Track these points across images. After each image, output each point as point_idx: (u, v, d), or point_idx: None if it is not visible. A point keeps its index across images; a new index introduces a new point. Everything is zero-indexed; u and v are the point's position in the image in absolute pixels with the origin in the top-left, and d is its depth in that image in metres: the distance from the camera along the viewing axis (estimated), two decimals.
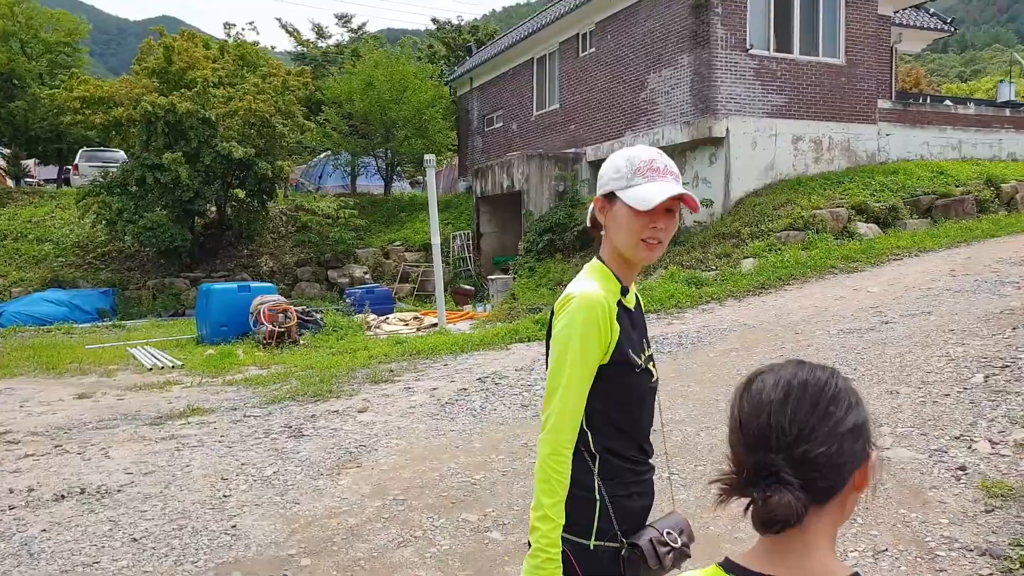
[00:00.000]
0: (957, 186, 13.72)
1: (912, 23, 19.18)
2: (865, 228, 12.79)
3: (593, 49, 18.11)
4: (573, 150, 18.40)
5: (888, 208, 13.04)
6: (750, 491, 1.01)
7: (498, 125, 23.79)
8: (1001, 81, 22.62)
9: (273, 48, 36.75)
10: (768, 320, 9.19)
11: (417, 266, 20.14)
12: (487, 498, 4.97)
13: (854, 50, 15.58)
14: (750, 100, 14.65)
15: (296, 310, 12.92)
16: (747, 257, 12.16)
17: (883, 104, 15.94)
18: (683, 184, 1.84)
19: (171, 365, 10.72)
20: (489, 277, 17.65)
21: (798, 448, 1.00)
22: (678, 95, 15.17)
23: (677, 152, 15.56)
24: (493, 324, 12.31)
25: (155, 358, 11.21)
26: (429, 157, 13.45)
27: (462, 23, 40.01)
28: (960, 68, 71.73)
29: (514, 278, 16.35)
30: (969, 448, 5.23)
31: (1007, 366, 6.65)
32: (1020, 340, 7.23)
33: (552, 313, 1.83)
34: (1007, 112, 17.36)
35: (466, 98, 26.27)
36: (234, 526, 4.72)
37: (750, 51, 14.61)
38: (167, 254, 19.05)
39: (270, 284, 14.83)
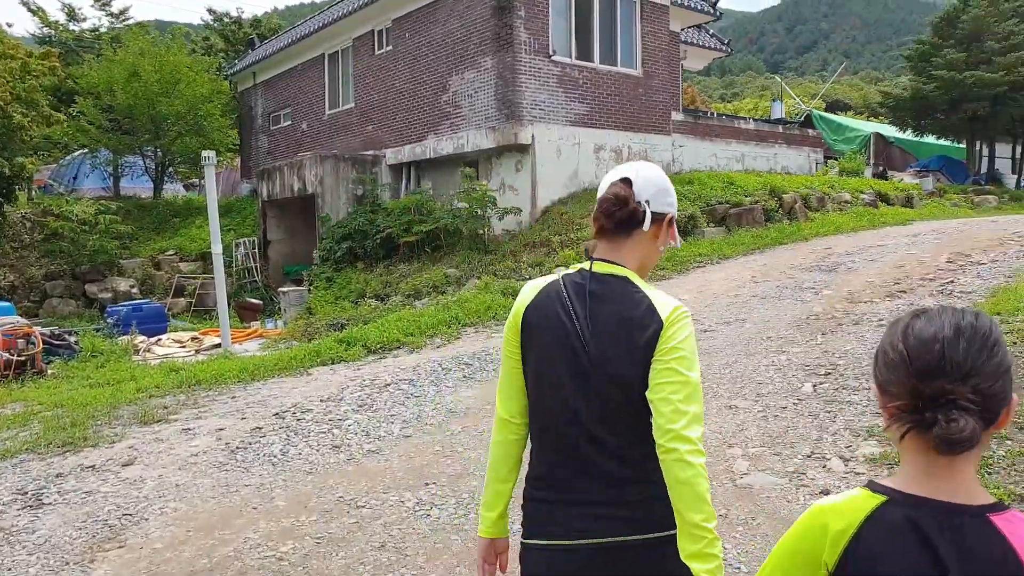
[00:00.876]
0: (746, 196, 14.36)
1: (695, 42, 20.20)
2: None
3: (390, 47, 17.15)
4: (372, 152, 17.30)
5: (688, 217, 13.31)
6: (930, 416, 1.08)
7: (286, 124, 22.05)
8: (774, 100, 24.63)
9: (10, 26, 31.84)
10: None
11: (194, 278, 17.92)
12: None
13: (650, 62, 15.94)
14: (554, 107, 14.45)
15: (42, 333, 10.70)
16: (559, 266, 11.80)
17: (676, 116, 16.46)
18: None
19: None
20: (280, 289, 16.03)
21: (970, 380, 1.08)
22: (482, 99, 14.64)
23: (484, 158, 15.03)
24: (288, 344, 10.93)
25: None
26: (208, 154, 11.75)
27: (242, 15, 37.22)
28: (722, 90, 79.09)
29: (309, 290, 14.92)
30: (824, 467, 4.96)
31: (829, 373, 6.61)
32: (833, 346, 7.30)
33: (661, 323, 1.73)
34: (780, 129, 18.71)
35: (249, 94, 24.17)
36: None
37: (553, 57, 14.42)
38: None
39: (6, 303, 12.26)
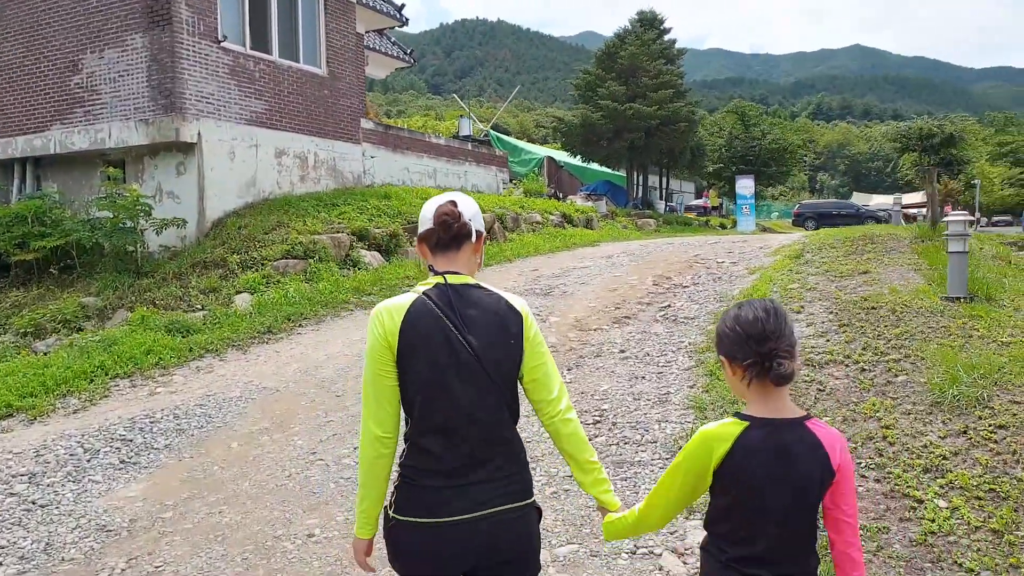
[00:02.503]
0: None
1: (378, 48, 18.97)
2: (369, 256, 11.43)
3: None
4: None
5: (390, 235, 11.94)
6: (768, 364, 1.70)
7: None
8: (462, 117, 24.31)
9: None
10: (293, 378, 6.91)
11: None
12: None
13: (336, 62, 14.31)
14: (226, 102, 12.14)
15: None
16: (240, 292, 9.63)
17: (367, 124, 15.03)
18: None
19: None
20: None
21: (783, 340, 1.72)
22: (131, 85, 11.78)
23: (133, 158, 12.14)
24: None
25: None
26: None
27: None
28: (387, 107, 79.42)
29: None
30: (659, 569, 3.84)
31: (599, 421, 5.65)
32: (587, 385, 6.40)
33: (521, 316, 2.08)
34: (470, 147, 18.21)
35: None
36: None
37: (223, 43, 12.11)
38: None
39: None
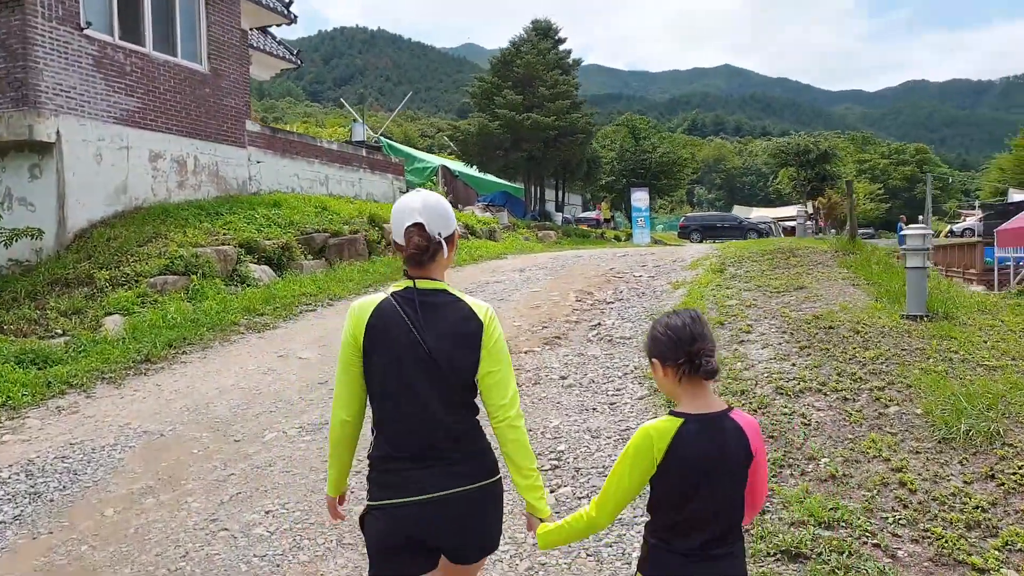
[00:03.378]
0: (345, 224, 12.40)
1: (263, 47, 17.64)
2: (259, 271, 10.31)
3: None
4: None
5: (281, 247, 10.85)
6: (697, 362, 1.91)
7: None
8: (355, 121, 23.05)
9: None
10: (180, 419, 5.83)
11: None
12: None
13: (219, 59, 13.05)
14: (91, 97, 10.72)
15: None
16: (111, 313, 8.34)
17: (252, 127, 13.80)
18: None
19: None
20: None
21: (707, 341, 1.94)
22: None
23: None
24: None
25: None
26: None
27: None
28: (263, 113, 76.16)
29: None
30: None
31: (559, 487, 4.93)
32: (534, 421, 5.66)
33: (481, 322, 2.22)
34: (364, 153, 17.19)
35: None
36: None
37: (86, 31, 10.71)
38: None
39: None
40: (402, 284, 2.24)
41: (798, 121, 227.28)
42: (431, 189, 20.73)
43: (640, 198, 26.15)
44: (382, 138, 24.03)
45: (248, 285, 9.87)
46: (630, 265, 12.31)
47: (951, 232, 42.42)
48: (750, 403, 4.96)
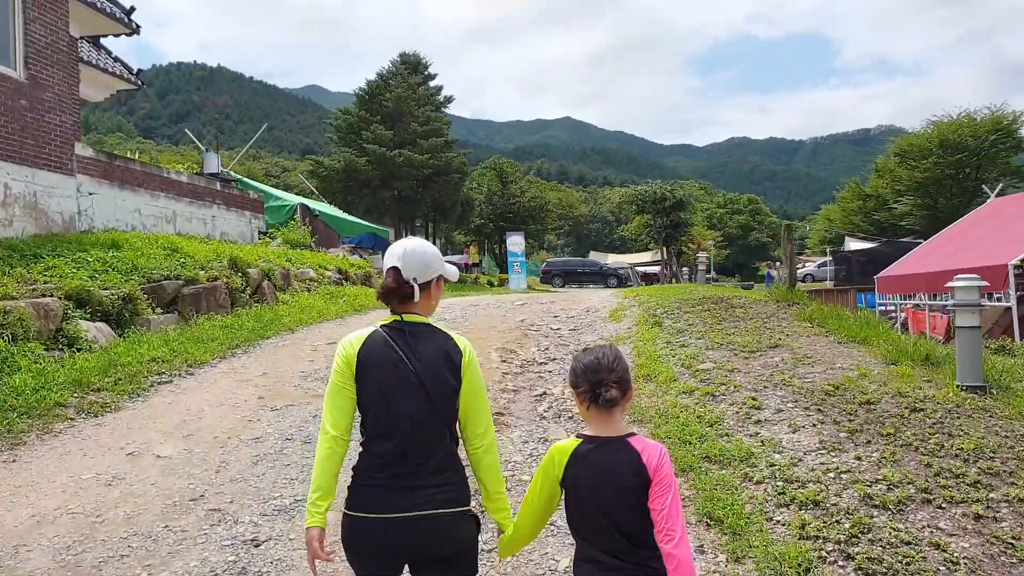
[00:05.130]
0: (202, 270, 10.23)
1: (95, 62, 15.03)
2: (93, 330, 8.01)
3: None
4: None
5: (122, 298, 8.59)
6: (598, 392, 2.12)
7: None
8: (207, 151, 20.33)
9: None
10: None
11: None
12: None
13: (39, 65, 10.61)
14: None
15: None
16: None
17: (83, 151, 11.34)
18: None
19: None
20: None
21: (613, 374, 2.14)
22: None
23: None
24: None
25: None
26: None
27: None
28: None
29: None
30: None
31: None
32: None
33: (462, 352, 2.45)
34: (219, 187, 14.89)
35: None
36: None
37: None
38: None
39: None
40: (390, 318, 2.47)
41: (635, 172, 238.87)
42: (296, 228, 18.63)
43: (516, 242, 25.07)
44: (232, 173, 21.55)
45: (79, 349, 7.57)
46: (539, 315, 10.97)
47: None
48: (836, 520, 3.62)
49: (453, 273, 2.62)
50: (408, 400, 2.32)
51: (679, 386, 6.01)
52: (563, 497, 2.19)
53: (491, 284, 25.65)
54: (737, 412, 5.25)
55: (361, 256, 18.77)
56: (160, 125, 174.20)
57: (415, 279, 2.43)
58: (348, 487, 2.38)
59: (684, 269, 39.95)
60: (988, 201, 17.82)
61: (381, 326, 2.43)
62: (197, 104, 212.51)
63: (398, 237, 23.26)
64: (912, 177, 40.68)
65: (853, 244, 38.81)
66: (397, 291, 2.40)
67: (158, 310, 9.11)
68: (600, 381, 2.11)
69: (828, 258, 43.51)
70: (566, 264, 40.26)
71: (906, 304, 16.14)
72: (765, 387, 5.66)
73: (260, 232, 16.28)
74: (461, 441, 2.46)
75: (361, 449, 2.41)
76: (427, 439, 2.33)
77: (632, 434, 2.16)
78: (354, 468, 2.40)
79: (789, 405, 5.21)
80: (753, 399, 5.40)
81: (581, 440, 2.15)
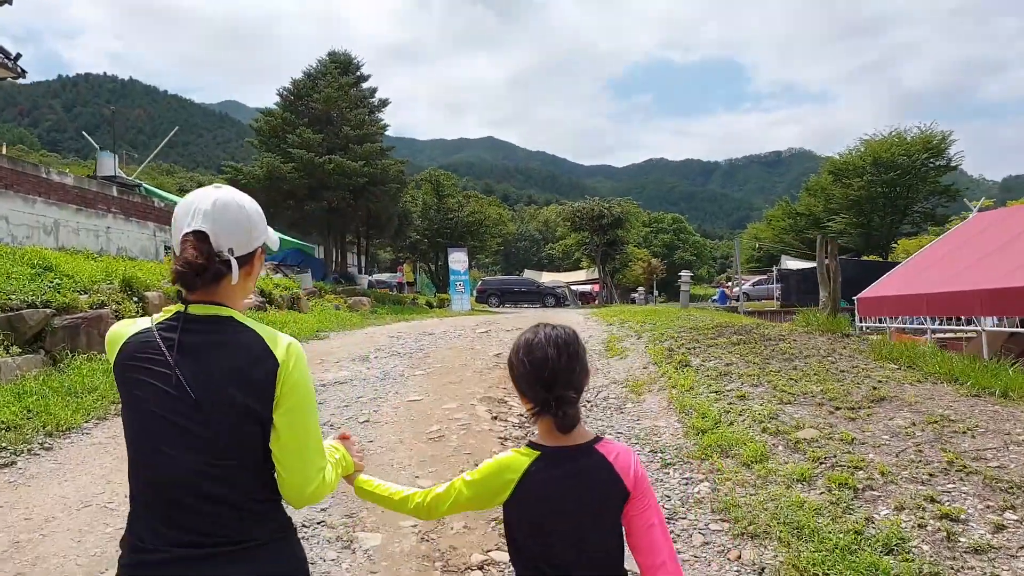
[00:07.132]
0: (84, 294, 7.88)
1: None
2: None
3: None
4: None
5: None
6: (553, 409, 1.61)
7: None
8: (103, 149, 17.53)
9: None
10: None
11: None
12: None
13: None
14: None
15: None
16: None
17: None
18: None
19: None
20: None
21: (571, 385, 1.64)
22: None
23: None
24: None
25: None
26: None
27: None
28: None
29: None
30: None
31: None
32: None
33: (277, 361, 1.51)
34: (115, 192, 12.39)
35: None
36: None
37: None
38: None
39: None
40: (171, 309, 1.57)
41: (558, 191, 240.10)
42: None
43: (459, 259, 22.98)
44: (139, 181, 18.91)
45: None
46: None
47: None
48: None
49: (274, 240, 1.70)
50: (179, 444, 1.45)
51: (786, 470, 4.12)
52: (506, 517, 1.68)
53: (430, 305, 23.51)
54: (918, 523, 3.37)
55: (286, 275, 16.42)
56: (67, 138, 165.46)
57: (231, 249, 1.53)
58: (119, 563, 1.49)
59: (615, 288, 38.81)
60: (970, 216, 16.88)
61: (155, 323, 1.53)
62: (107, 117, 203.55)
63: (327, 253, 20.90)
64: (846, 195, 40.64)
65: (790, 263, 38.38)
66: (206, 270, 1.49)
67: (13, 349, 6.72)
68: (558, 399, 1.62)
69: (763, 276, 43.22)
70: (503, 283, 38.56)
71: (924, 327, 14.83)
72: (932, 476, 3.82)
73: (167, 247, 13.82)
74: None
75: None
76: (210, 492, 1.45)
77: (598, 439, 1.71)
78: (120, 541, 1.54)
79: (1009, 516, 3.36)
80: (932, 498, 3.54)
81: (537, 453, 1.67)
